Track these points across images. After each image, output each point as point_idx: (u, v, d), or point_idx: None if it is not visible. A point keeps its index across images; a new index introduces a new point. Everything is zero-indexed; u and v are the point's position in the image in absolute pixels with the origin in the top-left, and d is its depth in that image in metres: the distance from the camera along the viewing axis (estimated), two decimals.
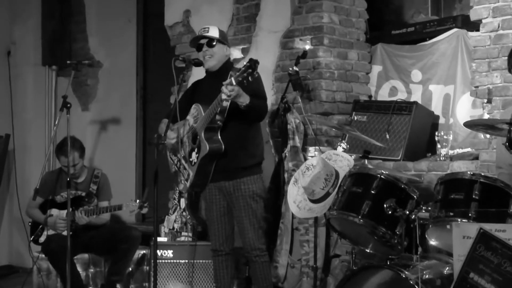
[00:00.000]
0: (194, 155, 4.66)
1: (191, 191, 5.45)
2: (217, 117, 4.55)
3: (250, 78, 4.22)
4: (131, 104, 7.54)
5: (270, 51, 5.86)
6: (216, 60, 4.76)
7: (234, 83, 4.26)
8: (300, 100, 5.54)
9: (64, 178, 5.59)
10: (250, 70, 4.20)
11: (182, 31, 6.53)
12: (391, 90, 5.80)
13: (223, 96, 4.33)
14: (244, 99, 4.41)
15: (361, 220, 4.12)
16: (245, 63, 4.23)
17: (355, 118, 5.54)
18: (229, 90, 4.28)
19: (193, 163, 4.66)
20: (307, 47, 5.56)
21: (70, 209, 5.27)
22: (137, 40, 7.56)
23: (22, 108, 7.53)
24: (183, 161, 4.77)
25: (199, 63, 4.78)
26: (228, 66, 4.79)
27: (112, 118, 7.37)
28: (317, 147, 5.43)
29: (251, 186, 4.69)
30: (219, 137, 4.59)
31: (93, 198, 5.92)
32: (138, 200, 5.63)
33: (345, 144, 4.88)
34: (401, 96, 5.68)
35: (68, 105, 5.22)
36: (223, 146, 4.58)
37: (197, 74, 5.65)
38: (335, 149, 4.91)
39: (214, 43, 4.73)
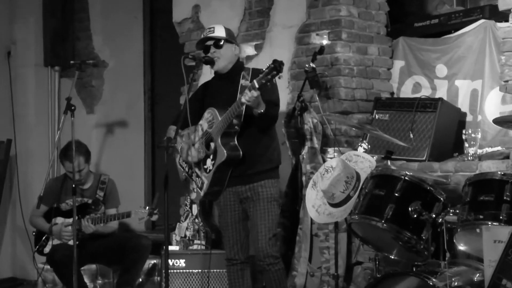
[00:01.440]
0: (209, 162, 4.65)
1: (204, 200, 5.45)
2: (234, 121, 4.55)
3: (274, 81, 4.22)
4: (139, 105, 7.56)
5: (285, 47, 5.86)
6: (225, 61, 4.75)
7: (256, 85, 4.26)
8: (317, 99, 5.54)
9: (69, 185, 5.61)
10: (275, 72, 4.19)
11: (191, 28, 6.54)
12: (414, 86, 5.79)
13: (243, 99, 4.32)
14: (261, 107, 4.41)
15: (385, 225, 4.12)
16: (268, 64, 4.21)
17: (377, 116, 5.54)
18: (254, 95, 4.28)
19: (207, 171, 4.66)
20: (324, 42, 5.56)
21: (76, 217, 5.30)
22: (144, 38, 7.58)
23: (24, 112, 7.56)
24: (195, 169, 4.76)
25: (210, 61, 4.77)
26: (239, 66, 4.78)
27: (118, 120, 7.39)
28: (336, 148, 5.43)
29: (269, 189, 4.69)
30: (236, 142, 4.59)
31: (100, 206, 5.94)
32: (147, 207, 5.65)
33: (366, 144, 4.87)
34: (425, 92, 5.67)
35: (72, 107, 5.25)
36: (241, 152, 4.58)
37: (208, 72, 5.66)
38: (356, 150, 4.90)
39: (222, 43, 4.72)
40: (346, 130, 5.58)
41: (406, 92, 5.83)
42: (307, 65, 5.42)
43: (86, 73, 7.41)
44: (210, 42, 4.74)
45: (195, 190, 4.78)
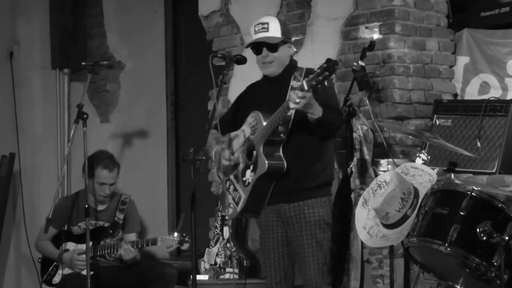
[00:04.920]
0: (248, 173, 4.66)
1: (241, 217, 5.47)
2: (280, 128, 4.53)
3: (326, 83, 4.21)
4: (161, 112, 7.62)
5: (329, 43, 5.88)
6: (278, 66, 4.70)
7: (306, 87, 4.26)
8: (367, 102, 5.54)
9: (82, 205, 5.65)
10: (327, 73, 4.18)
11: (220, 22, 6.59)
12: (481, 86, 5.77)
13: (291, 104, 4.32)
14: (316, 111, 4.38)
15: (448, 249, 4.11)
16: (321, 64, 4.21)
17: (437, 122, 5.53)
18: (299, 96, 4.28)
19: (246, 183, 4.66)
20: (375, 36, 5.57)
21: (90, 243, 5.33)
22: (166, 35, 7.64)
23: (29, 121, 7.66)
24: (234, 181, 4.78)
25: (242, 60, 4.77)
26: (291, 66, 4.75)
27: (137, 130, 7.45)
28: (390, 160, 5.43)
29: (318, 210, 4.67)
30: (281, 153, 4.59)
31: (118, 230, 5.96)
32: (176, 233, 5.61)
33: (425, 155, 4.86)
34: (495, 93, 5.65)
35: (84, 116, 5.33)
36: (285, 164, 4.56)
37: (240, 74, 5.70)
38: (413, 161, 4.90)
39: (277, 45, 4.70)
40: (401, 138, 5.57)
41: (472, 93, 5.80)
42: (355, 64, 5.43)
43: (100, 76, 7.48)
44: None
45: (232, 205, 4.79)
